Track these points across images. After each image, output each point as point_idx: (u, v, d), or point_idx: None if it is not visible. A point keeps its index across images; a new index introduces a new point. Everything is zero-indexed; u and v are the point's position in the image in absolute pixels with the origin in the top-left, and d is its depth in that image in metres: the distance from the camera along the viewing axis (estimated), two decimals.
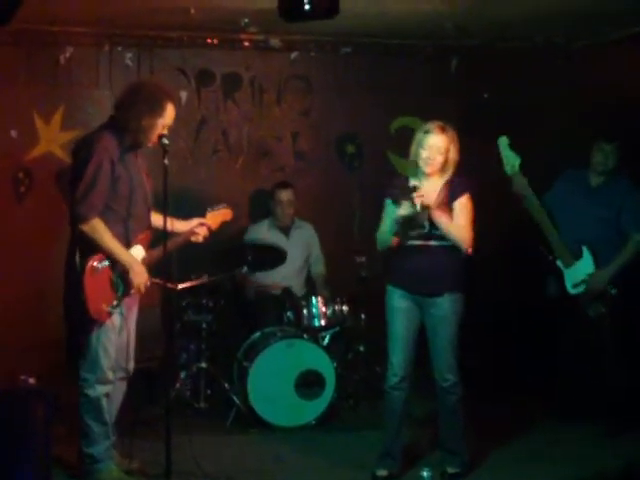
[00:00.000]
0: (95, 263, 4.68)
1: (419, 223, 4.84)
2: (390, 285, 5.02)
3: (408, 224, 4.85)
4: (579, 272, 5.77)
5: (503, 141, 5.32)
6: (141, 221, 4.89)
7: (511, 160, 5.34)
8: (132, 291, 4.80)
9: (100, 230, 4.65)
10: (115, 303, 4.75)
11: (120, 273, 4.74)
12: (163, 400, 5.26)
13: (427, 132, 4.89)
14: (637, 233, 5.71)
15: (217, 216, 5.21)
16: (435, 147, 4.86)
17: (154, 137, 4.82)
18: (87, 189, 4.64)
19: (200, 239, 5.11)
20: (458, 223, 4.88)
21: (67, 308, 4.78)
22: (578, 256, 5.78)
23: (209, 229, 5.14)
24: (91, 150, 4.68)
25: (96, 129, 4.91)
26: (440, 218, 4.83)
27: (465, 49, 7.34)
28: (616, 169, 5.82)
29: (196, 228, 5.08)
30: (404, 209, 4.81)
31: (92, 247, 4.66)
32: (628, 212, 5.73)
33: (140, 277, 4.78)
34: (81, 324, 4.74)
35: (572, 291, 5.80)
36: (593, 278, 5.73)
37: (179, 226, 5.06)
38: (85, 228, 4.64)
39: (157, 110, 4.79)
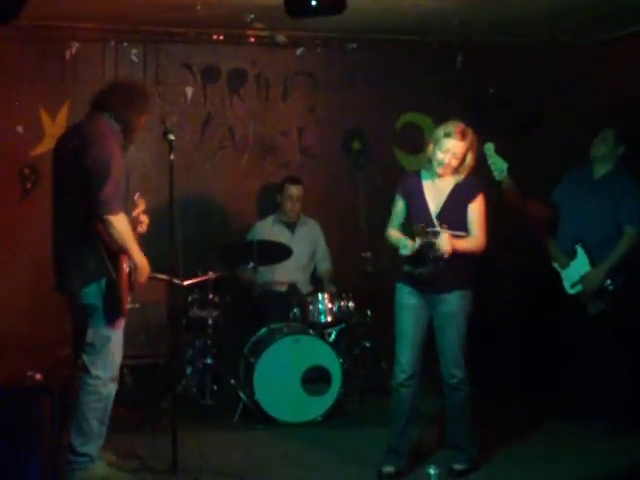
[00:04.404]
0: (127, 264, 4.71)
1: (419, 272, 4.83)
2: (399, 282, 5.01)
3: (408, 263, 4.87)
4: (575, 272, 5.78)
5: (489, 147, 5.30)
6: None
7: (499, 165, 5.32)
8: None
9: (125, 224, 4.64)
10: (130, 299, 4.81)
11: (131, 269, 4.78)
12: (169, 396, 5.28)
13: (448, 135, 4.83)
14: (631, 227, 5.69)
15: (140, 204, 5.14)
16: (452, 152, 4.83)
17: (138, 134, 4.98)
18: (115, 185, 4.60)
19: (145, 227, 5.02)
20: (474, 234, 4.88)
21: (91, 307, 4.73)
22: (572, 256, 5.79)
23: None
24: (107, 146, 4.65)
25: (91, 122, 4.83)
26: (460, 247, 4.80)
27: (470, 45, 7.33)
28: (616, 158, 5.79)
29: (140, 217, 5.01)
30: (405, 249, 4.81)
31: (111, 245, 4.64)
32: (625, 205, 5.71)
33: (144, 274, 4.81)
34: (111, 323, 4.74)
35: (571, 291, 5.81)
36: (587, 276, 5.73)
37: None
38: (112, 220, 4.57)
39: (146, 108, 4.94)
